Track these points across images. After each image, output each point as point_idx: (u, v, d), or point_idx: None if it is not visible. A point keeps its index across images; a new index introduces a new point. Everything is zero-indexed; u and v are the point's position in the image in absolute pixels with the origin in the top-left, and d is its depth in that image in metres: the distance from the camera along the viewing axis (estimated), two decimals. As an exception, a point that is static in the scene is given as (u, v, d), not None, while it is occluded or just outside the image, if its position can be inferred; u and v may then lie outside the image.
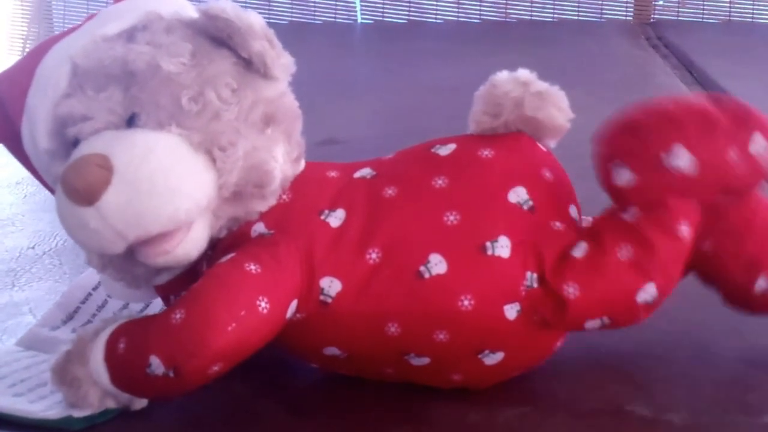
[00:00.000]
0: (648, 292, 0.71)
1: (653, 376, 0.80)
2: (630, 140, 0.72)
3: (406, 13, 3.04)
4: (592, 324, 0.74)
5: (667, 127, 0.70)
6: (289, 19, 3.06)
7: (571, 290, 0.71)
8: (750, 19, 2.82)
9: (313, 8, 3.09)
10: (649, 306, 0.72)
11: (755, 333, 0.84)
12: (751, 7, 2.83)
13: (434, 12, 3.03)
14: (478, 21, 2.99)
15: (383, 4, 3.06)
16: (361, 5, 3.09)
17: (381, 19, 3.07)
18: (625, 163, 0.72)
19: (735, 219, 0.74)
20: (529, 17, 2.98)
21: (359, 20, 3.10)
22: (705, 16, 2.85)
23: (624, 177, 0.72)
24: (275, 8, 3.05)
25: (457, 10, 3.01)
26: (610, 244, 0.72)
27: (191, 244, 0.72)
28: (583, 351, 0.80)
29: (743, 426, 0.73)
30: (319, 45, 2.56)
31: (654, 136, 0.71)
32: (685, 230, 0.72)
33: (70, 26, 0.81)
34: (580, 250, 0.72)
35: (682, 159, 0.70)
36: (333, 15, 3.09)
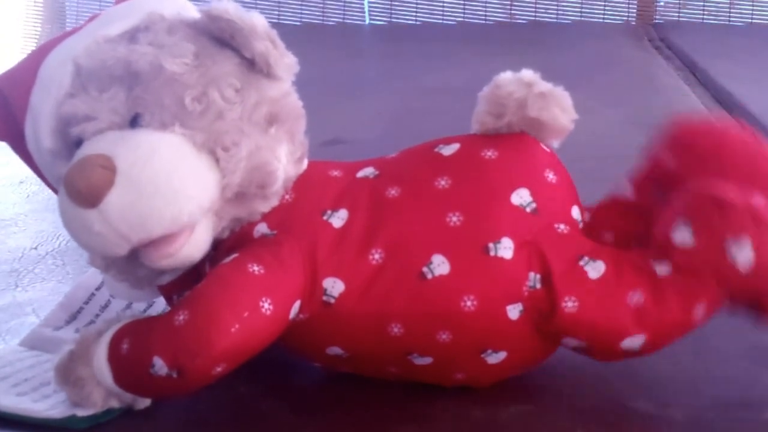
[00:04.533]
0: (634, 342, 0.71)
1: (655, 372, 0.80)
2: (712, 213, 0.70)
3: (414, 14, 3.05)
4: (569, 342, 0.74)
5: (749, 222, 0.69)
6: (299, 20, 3.06)
7: (570, 304, 0.71)
8: (749, 20, 2.82)
9: (322, 9, 3.10)
10: (628, 353, 0.72)
11: (757, 330, 0.84)
12: (750, 8, 2.83)
13: (441, 14, 3.03)
14: (483, 22, 2.99)
15: (391, 5, 3.06)
16: (369, 6, 3.10)
17: (389, 20, 3.07)
18: (692, 227, 0.71)
19: None
20: (533, 18, 2.99)
21: (367, 21, 3.10)
22: (705, 16, 2.86)
23: (683, 237, 0.71)
24: (285, 9, 3.05)
25: (463, 11, 3.02)
26: (627, 282, 0.71)
27: (194, 247, 0.72)
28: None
29: (744, 422, 0.73)
30: (326, 46, 2.56)
31: (733, 222, 0.69)
32: (700, 313, 0.71)
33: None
34: (596, 271, 0.71)
35: (743, 254, 0.69)
36: (341, 16, 3.09)
